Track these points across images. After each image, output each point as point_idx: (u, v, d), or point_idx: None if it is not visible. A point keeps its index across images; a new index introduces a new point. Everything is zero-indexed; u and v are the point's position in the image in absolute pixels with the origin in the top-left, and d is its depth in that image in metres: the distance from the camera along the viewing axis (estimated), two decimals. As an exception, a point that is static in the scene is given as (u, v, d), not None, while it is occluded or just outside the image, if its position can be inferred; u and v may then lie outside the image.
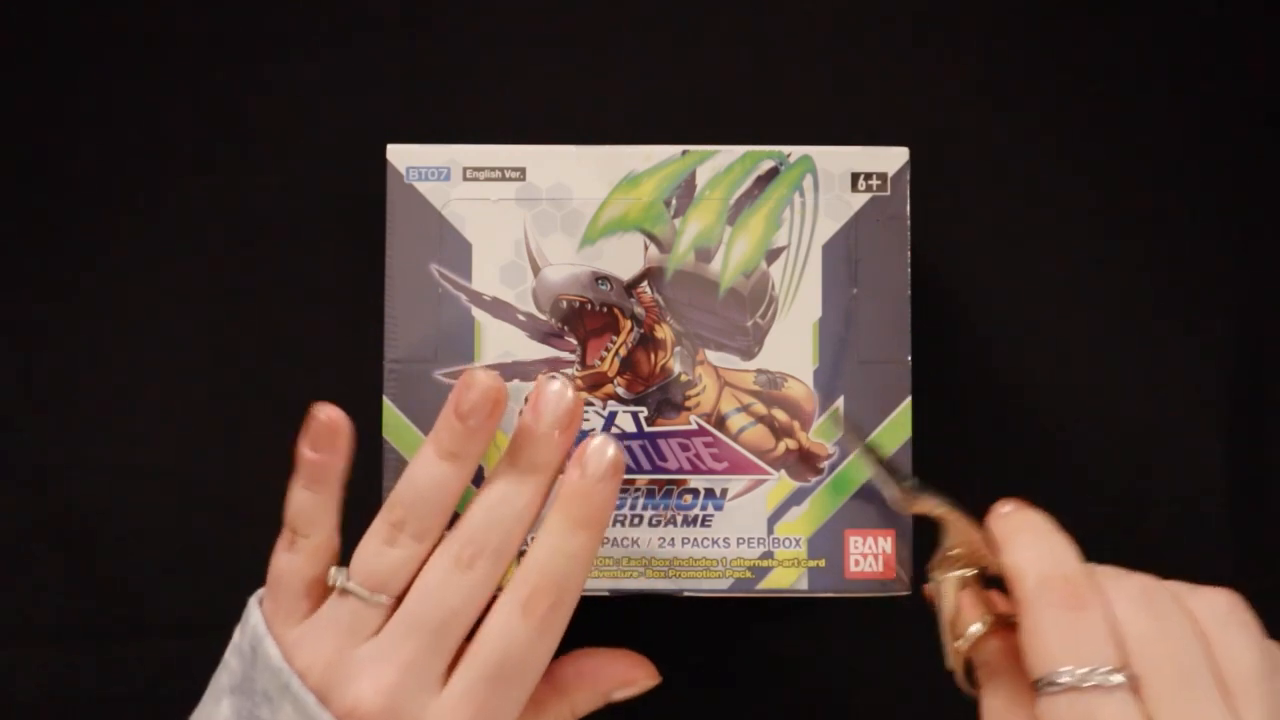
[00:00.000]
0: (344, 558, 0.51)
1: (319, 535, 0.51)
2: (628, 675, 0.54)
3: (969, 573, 0.49)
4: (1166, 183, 0.62)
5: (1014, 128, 0.62)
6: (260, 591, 0.52)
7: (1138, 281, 0.61)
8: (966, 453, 0.61)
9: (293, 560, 0.51)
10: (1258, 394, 0.61)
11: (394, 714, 0.47)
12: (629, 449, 0.54)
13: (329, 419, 0.51)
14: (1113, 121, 0.62)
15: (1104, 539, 0.61)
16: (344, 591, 0.50)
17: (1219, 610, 0.45)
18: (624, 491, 0.54)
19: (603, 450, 0.50)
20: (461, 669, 0.48)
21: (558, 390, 0.50)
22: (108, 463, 0.61)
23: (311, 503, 0.51)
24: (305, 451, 0.51)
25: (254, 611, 0.51)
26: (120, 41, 0.62)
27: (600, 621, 0.60)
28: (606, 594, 0.54)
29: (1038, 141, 0.62)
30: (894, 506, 0.52)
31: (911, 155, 0.55)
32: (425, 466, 0.50)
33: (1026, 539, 0.47)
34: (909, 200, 0.55)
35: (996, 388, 0.61)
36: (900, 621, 0.60)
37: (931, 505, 0.50)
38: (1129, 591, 0.45)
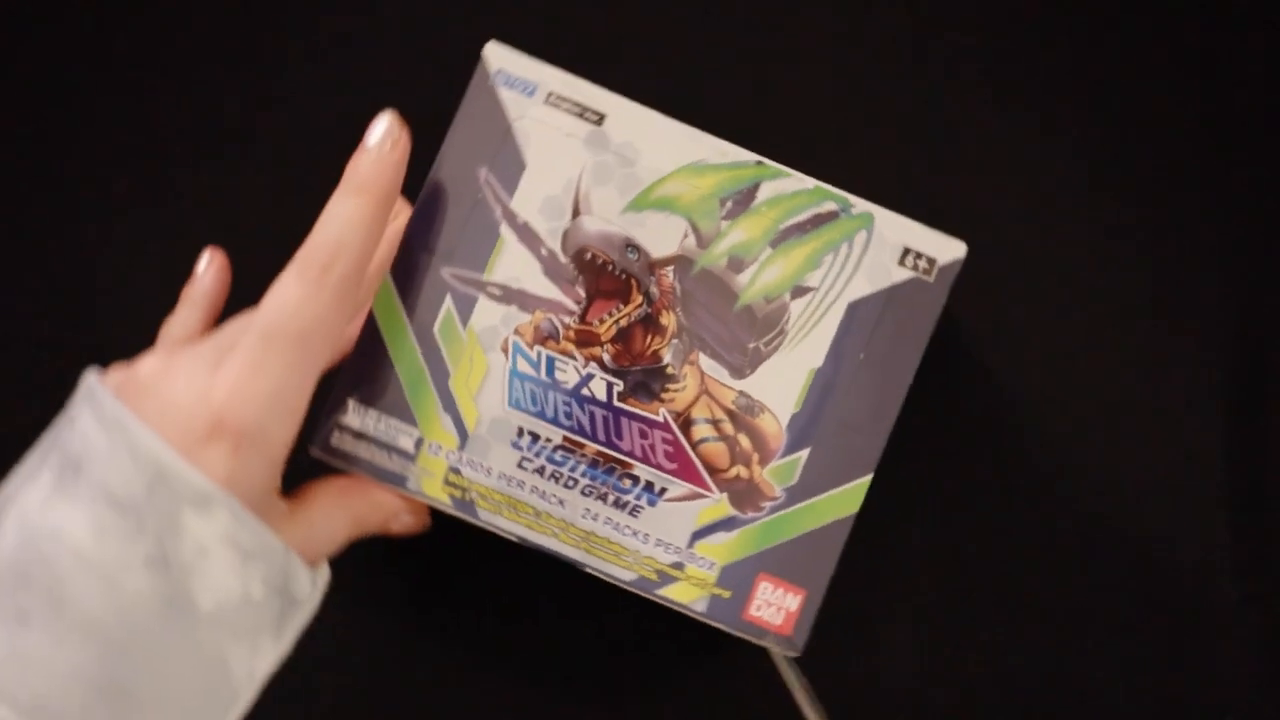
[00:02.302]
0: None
1: (179, 332, 0.55)
2: (409, 503, 0.55)
3: None
4: (1166, 182, 0.62)
5: (1013, 127, 0.62)
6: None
7: (1138, 281, 0.61)
8: (966, 452, 0.60)
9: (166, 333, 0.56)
10: (1258, 394, 0.61)
11: (169, 374, 0.48)
12: (592, 415, 0.54)
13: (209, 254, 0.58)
14: (1113, 122, 0.62)
15: (1103, 539, 0.61)
16: None
17: None
18: (571, 452, 0.54)
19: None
20: (244, 335, 0.49)
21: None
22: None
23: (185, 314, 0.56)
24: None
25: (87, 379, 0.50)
26: (119, 42, 0.62)
27: (535, 571, 0.60)
28: (515, 539, 0.54)
29: (1037, 141, 0.62)
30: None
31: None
32: (334, 207, 0.51)
33: None
34: (947, 296, 0.55)
35: (996, 387, 0.61)
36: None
37: None
38: None
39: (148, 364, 0.49)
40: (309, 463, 0.60)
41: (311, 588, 0.51)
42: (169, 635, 0.46)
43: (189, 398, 0.47)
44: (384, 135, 0.51)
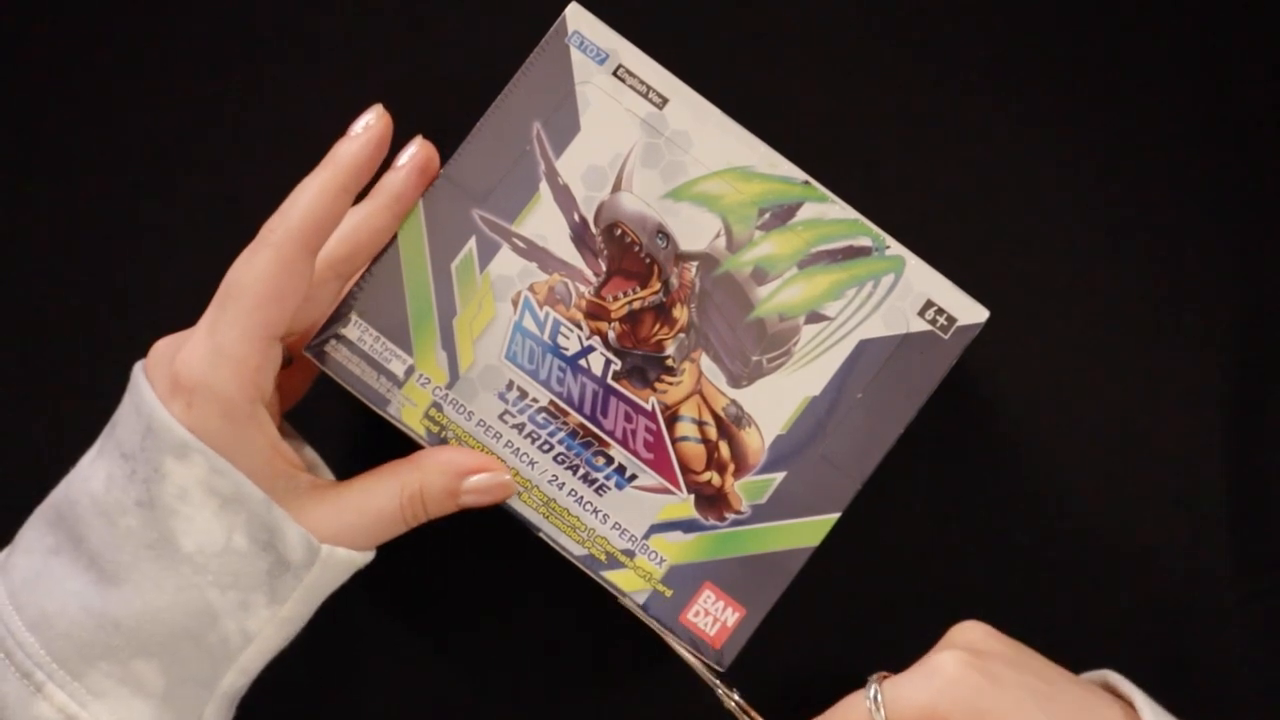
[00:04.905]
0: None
1: None
2: (480, 464, 0.54)
3: None
4: (1166, 183, 0.61)
5: (1014, 126, 0.61)
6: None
7: (1138, 281, 0.61)
8: (965, 452, 0.60)
9: None
10: (1258, 394, 0.61)
11: (169, 340, 0.52)
12: (583, 386, 0.54)
13: None
14: (1113, 122, 0.61)
15: (1102, 540, 0.60)
16: None
17: None
18: (554, 417, 0.54)
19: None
20: None
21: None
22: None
23: None
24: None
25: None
26: (120, 40, 0.62)
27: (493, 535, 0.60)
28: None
29: (1038, 142, 0.61)
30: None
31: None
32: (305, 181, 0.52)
33: None
34: (958, 357, 0.54)
35: (995, 387, 0.61)
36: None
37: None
38: None
39: (157, 343, 0.53)
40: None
41: (306, 552, 0.51)
42: (153, 570, 0.50)
43: (166, 359, 0.51)
44: (362, 122, 0.53)
